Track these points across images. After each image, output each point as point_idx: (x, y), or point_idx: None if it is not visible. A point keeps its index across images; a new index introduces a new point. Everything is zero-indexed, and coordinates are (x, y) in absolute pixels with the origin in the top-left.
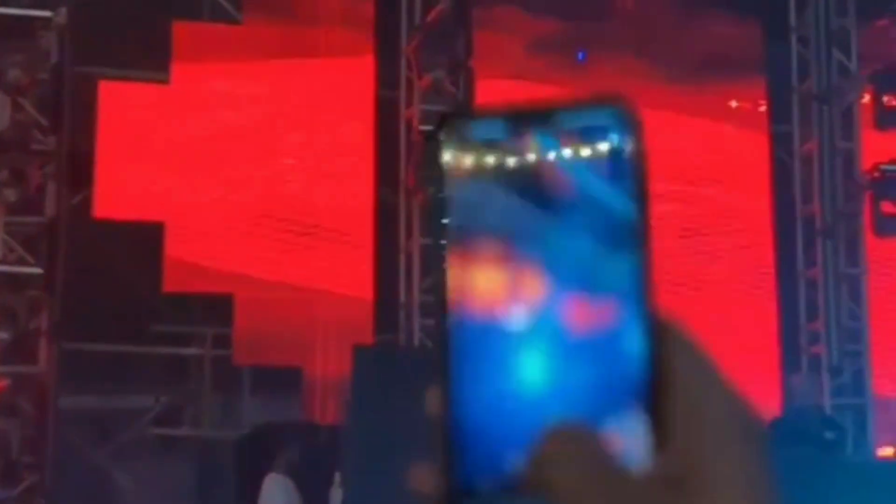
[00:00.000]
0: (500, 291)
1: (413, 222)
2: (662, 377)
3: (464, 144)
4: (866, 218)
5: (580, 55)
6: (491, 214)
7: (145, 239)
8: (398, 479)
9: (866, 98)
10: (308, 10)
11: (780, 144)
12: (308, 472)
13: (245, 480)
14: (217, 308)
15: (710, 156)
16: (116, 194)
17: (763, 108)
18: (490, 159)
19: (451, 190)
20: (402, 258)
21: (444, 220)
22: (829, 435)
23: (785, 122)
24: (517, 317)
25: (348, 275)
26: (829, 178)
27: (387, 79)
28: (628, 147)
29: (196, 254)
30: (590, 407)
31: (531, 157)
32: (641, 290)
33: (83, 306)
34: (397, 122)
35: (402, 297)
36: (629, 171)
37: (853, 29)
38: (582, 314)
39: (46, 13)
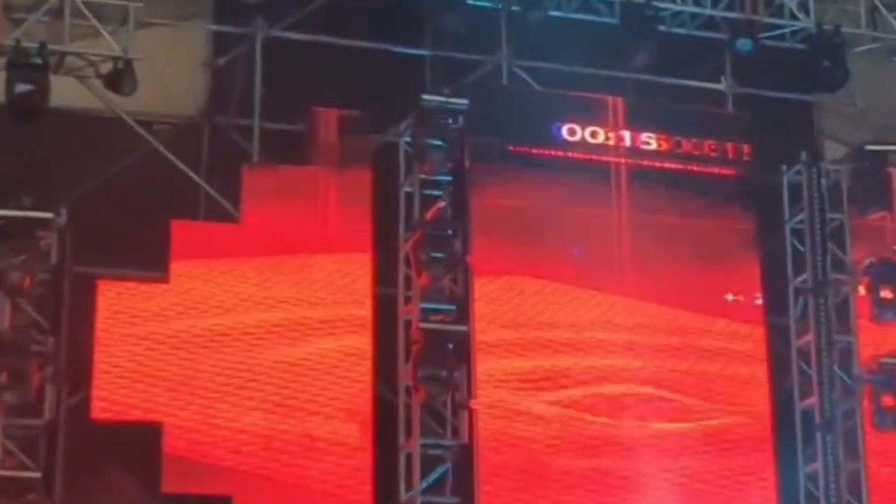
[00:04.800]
0: None
1: (413, 422)
2: None
3: None
4: (866, 412)
5: (575, 251)
6: None
7: (143, 439)
8: None
9: (862, 290)
10: (307, 208)
11: (776, 337)
12: None
13: None
14: None
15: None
16: (114, 395)
17: (759, 301)
18: None
19: None
20: (402, 458)
21: None
22: None
23: (781, 314)
24: None
25: (347, 475)
26: (827, 372)
27: (386, 276)
28: None
29: (195, 455)
30: None
31: None
32: None
33: None
34: (396, 320)
35: (403, 498)
36: None
37: (847, 222)
38: None
39: (48, 215)
